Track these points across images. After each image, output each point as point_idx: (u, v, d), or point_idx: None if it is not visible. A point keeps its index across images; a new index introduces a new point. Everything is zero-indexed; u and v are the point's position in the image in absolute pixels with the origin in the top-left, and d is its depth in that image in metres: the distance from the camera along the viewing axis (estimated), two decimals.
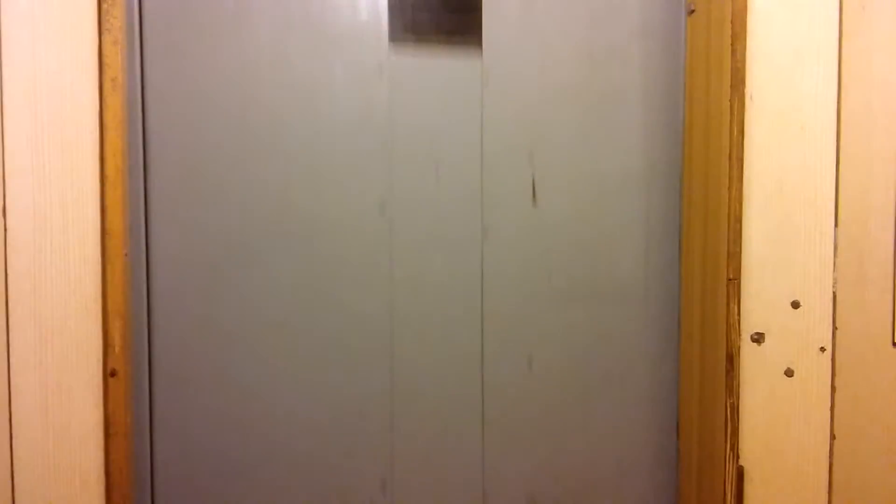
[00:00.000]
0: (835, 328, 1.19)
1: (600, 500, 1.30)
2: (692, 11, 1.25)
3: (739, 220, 1.16)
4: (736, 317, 1.17)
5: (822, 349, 1.18)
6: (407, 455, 1.23)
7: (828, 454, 1.19)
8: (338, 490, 1.21)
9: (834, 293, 1.18)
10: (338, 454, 1.21)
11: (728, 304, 1.16)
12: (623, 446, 1.30)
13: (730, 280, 1.16)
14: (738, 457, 1.18)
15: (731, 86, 1.15)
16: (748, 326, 1.18)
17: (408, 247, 1.22)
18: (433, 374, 1.24)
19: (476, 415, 1.25)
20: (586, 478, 1.29)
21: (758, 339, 1.18)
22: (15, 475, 1.01)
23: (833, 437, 1.19)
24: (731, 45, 1.15)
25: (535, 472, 1.28)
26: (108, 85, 1.03)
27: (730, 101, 1.15)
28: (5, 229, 1.00)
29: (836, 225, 1.18)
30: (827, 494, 1.20)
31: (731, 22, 1.15)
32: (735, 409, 1.17)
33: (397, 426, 1.23)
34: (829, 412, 1.19)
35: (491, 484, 1.26)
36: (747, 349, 1.18)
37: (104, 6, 1.02)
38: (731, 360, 1.17)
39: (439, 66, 1.22)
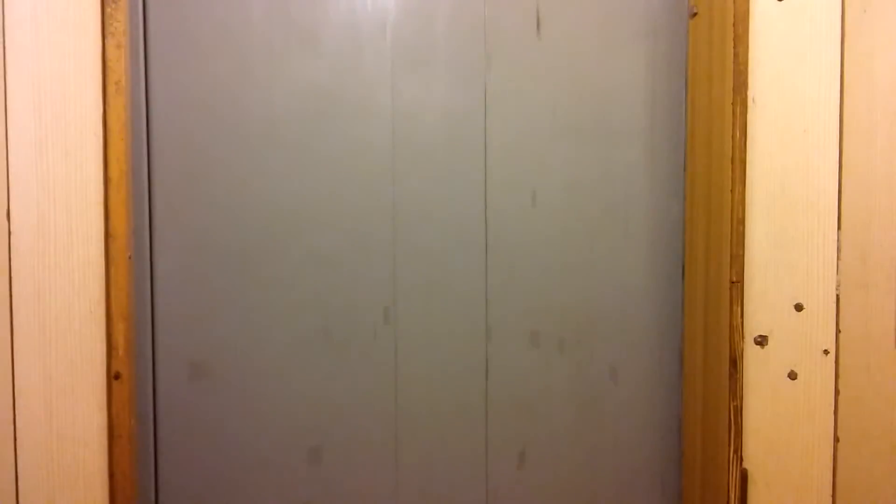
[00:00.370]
0: (838, 331, 1.19)
1: (604, 338, 1.29)
2: (694, 14, 1.25)
3: (742, 223, 1.16)
4: (739, 319, 1.17)
5: (826, 352, 1.18)
6: (410, 285, 1.22)
7: (831, 457, 1.19)
8: (342, 319, 1.21)
9: (837, 296, 1.18)
10: (341, 285, 1.20)
11: (731, 307, 1.16)
12: (627, 284, 1.29)
13: (733, 283, 1.16)
14: (741, 459, 1.18)
15: (734, 89, 1.15)
16: (751, 329, 1.18)
17: (409, 70, 1.21)
18: (436, 203, 1.23)
19: (479, 247, 1.24)
20: (590, 316, 1.28)
21: (761, 341, 1.18)
22: (19, 478, 1.01)
23: (837, 439, 1.19)
24: (734, 48, 1.15)
25: (538, 308, 1.27)
26: (111, 88, 1.03)
27: (732, 104, 1.16)
28: (9, 232, 1.00)
29: (838, 227, 1.18)
30: (831, 497, 1.19)
31: (734, 25, 1.15)
32: (738, 412, 1.17)
33: (400, 256, 1.22)
34: (832, 415, 1.19)
35: (494, 318, 1.25)
36: (750, 352, 1.18)
37: (108, 10, 1.02)
38: (735, 362, 1.17)
39: None
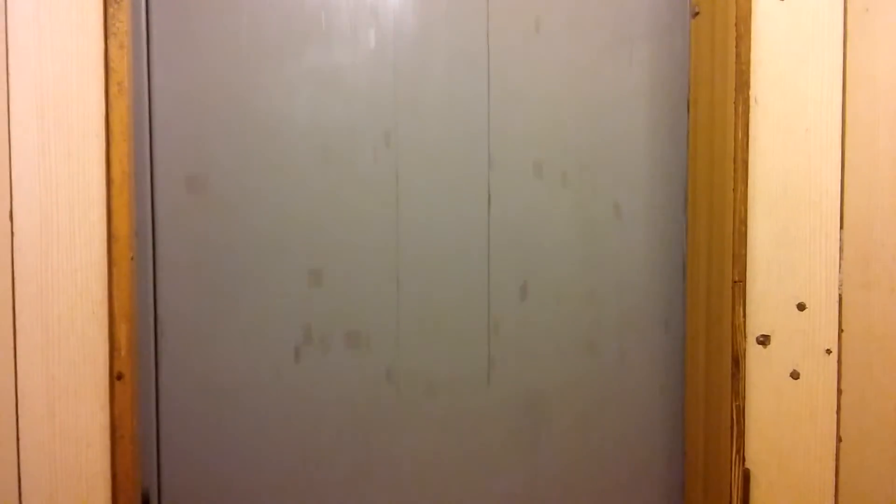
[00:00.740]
0: (841, 330, 1.18)
1: (607, 172, 1.28)
2: (696, 14, 1.25)
3: (744, 223, 1.16)
4: (741, 319, 1.17)
5: (829, 351, 1.18)
6: (411, 107, 1.21)
7: (834, 457, 1.19)
8: (341, 139, 1.20)
9: (840, 295, 1.18)
10: (341, 104, 1.19)
11: (733, 307, 1.16)
12: (630, 115, 1.28)
13: (735, 282, 1.16)
14: (743, 459, 1.18)
15: (736, 88, 1.15)
16: (754, 329, 1.18)
17: None
18: (436, 26, 1.22)
19: (481, 73, 1.23)
20: (593, 148, 1.27)
21: (763, 341, 1.18)
22: (21, 478, 1.02)
23: (839, 439, 1.19)
24: (736, 47, 1.15)
25: (541, 138, 1.25)
26: (113, 89, 1.03)
27: (734, 103, 1.15)
28: (12, 233, 1.00)
29: (841, 227, 1.18)
30: (833, 497, 1.19)
31: (736, 24, 1.15)
32: (741, 412, 1.17)
33: (400, 77, 1.20)
34: (835, 414, 1.19)
35: (496, 146, 1.24)
36: (753, 351, 1.18)
37: (110, 10, 1.02)
38: (737, 362, 1.17)
39: None
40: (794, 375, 1.18)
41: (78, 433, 1.03)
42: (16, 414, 1.01)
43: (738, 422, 1.17)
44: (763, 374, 1.18)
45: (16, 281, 1.00)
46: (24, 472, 1.02)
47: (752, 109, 1.16)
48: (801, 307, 1.18)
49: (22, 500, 1.02)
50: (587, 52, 1.26)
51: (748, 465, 1.18)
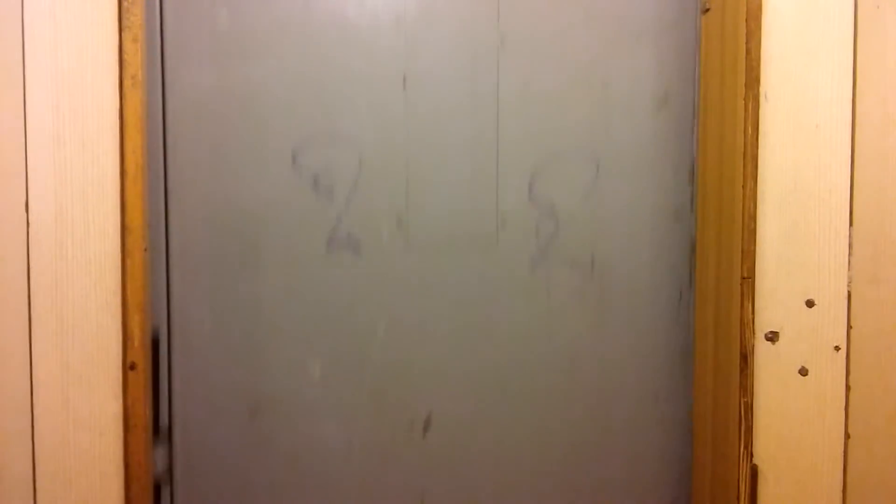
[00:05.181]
0: (849, 327, 1.18)
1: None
2: (707, 10, 1.25)
3: (754, 219, 1.16)
4: (750, 315, 1.17)
5: (837, 348, 1.18)
6: None
7: (842, 453, 1.19)
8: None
9: (849, 292, 1.18)
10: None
11: (742, 303, 1.16)
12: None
13: (744, 279, 1.16)
14: (751, 456, 1.18)
15: (746, 84, 1.15)
16: (762, 325, 1.18)
17: None
18: None
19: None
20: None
21: (772, 337, 1.18)
22: (36, 467, 1.03)
23: (848, 436, 1.19)
24: (746, 43, 1.15)
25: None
26: (127, 82, 1.04)
27: (744, 99, 1.15)
28: (27, 224, 1.01)
29: (850, 224, 1.18)
30: (841, 493, 1.19)
31: (746, 20, 1.15)
32: (749, 408, 1.17)
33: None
34: (843, 411, 1.19)
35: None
36: (761, 348, 1.18)
37: (124, 4, 1.03)
38: (746, 358, 1.17)
39: None
40: (803, 372, 1.18)
41: (91, 422, 1.04)
42: (30, 403, 1.02)
43: (746, 418, 1.17)
44: (771, 370, 1.18)
45: (31, 271, 1.01)
46: (39, 461, 1.03)
47: (762, 106, 1.16)
48: (809, 304, 1.18)
49: (36, 488, 1.03)
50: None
51: (756, 461, 1.19)
